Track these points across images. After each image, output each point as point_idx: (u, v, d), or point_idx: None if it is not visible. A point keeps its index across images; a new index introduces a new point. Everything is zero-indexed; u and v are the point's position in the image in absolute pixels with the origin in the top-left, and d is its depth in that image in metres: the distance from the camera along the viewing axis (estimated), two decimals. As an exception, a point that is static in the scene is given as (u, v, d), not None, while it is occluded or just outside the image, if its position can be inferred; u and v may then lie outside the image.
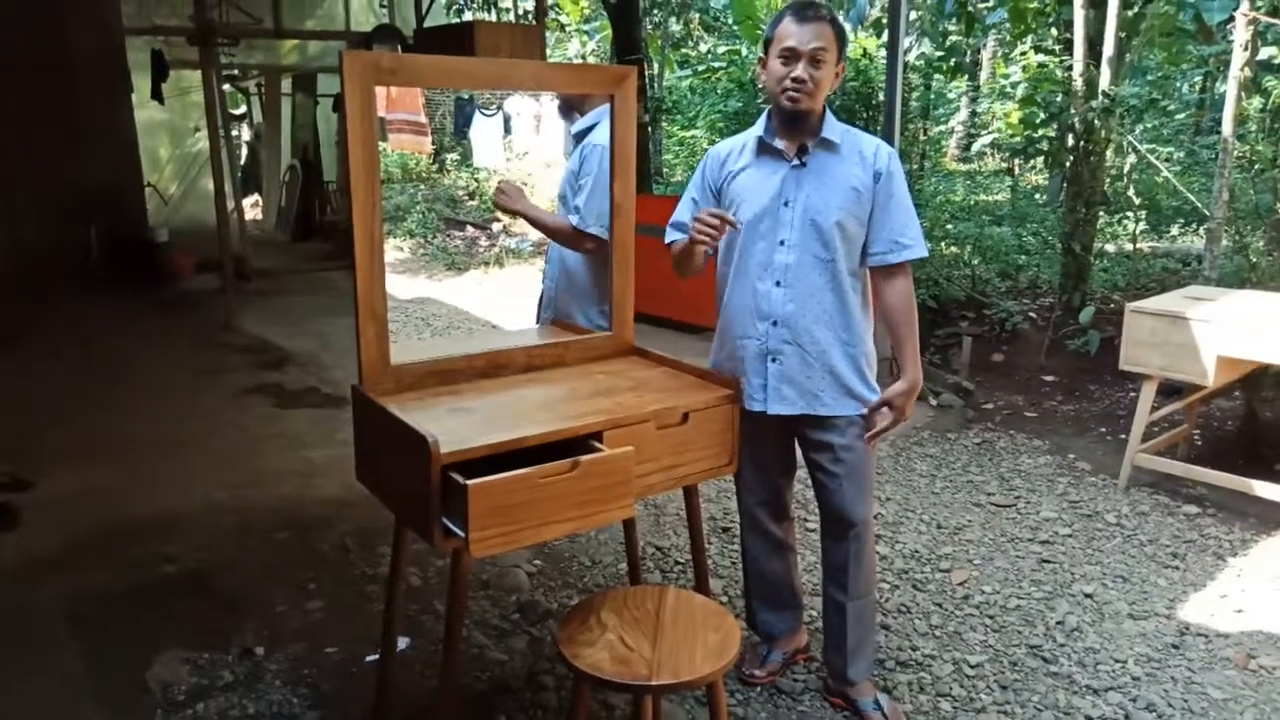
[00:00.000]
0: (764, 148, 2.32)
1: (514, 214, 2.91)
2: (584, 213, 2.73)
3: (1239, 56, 4.80)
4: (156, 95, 8.39)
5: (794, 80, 2.17)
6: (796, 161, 2.27)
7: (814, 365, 2.29)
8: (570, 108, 2.98)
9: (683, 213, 2.44)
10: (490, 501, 1.74)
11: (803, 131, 2.26)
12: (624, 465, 1.90)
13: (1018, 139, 7.18)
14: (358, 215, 2.04)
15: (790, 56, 2.18)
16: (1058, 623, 2.93)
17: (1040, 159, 6.74)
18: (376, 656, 2.52)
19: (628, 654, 1.79)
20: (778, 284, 2.28)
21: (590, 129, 2.82)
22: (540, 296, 3.09)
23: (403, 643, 2.69)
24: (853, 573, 2.42)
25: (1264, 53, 6.25)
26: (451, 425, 1.95)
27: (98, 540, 3.32)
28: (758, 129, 2.33)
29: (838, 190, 2.24)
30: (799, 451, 2.49)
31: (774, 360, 2.30)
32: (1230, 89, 4.92)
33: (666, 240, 2.46)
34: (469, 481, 1.71)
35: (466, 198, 12.57)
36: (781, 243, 2.27)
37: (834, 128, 2.28)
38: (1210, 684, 2.62)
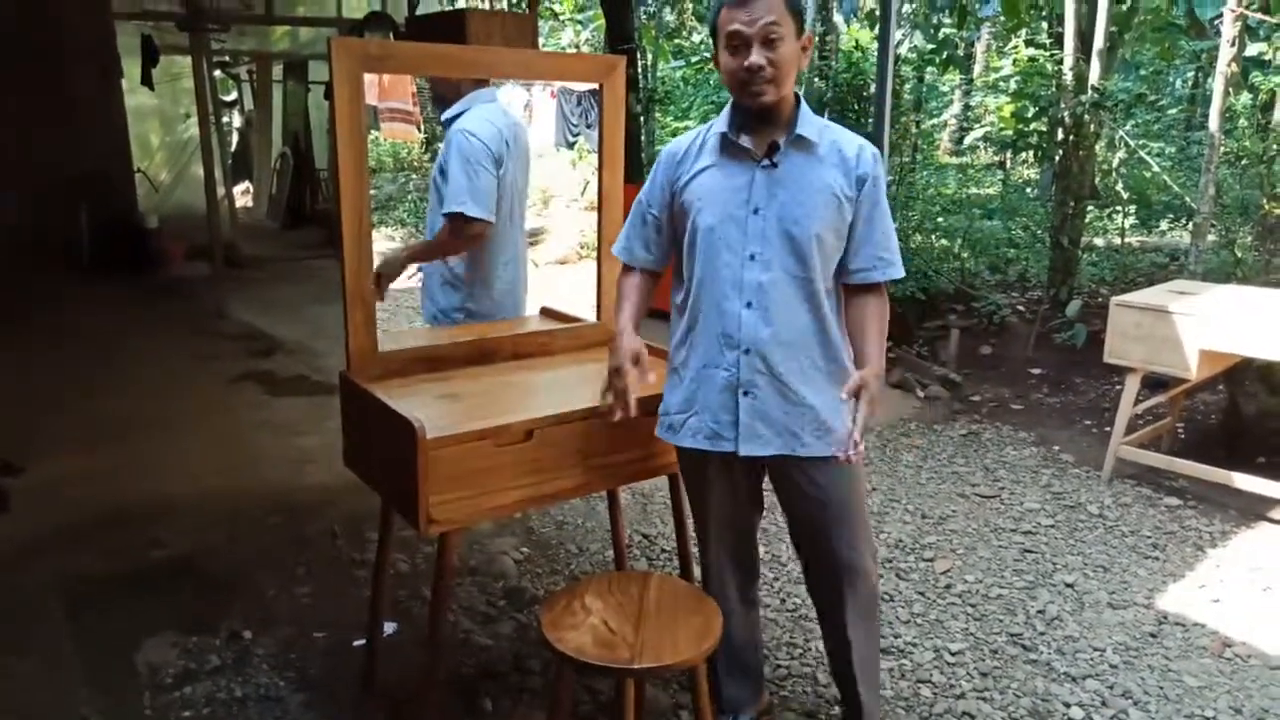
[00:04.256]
0: (728, 145, 1.98)
1: (402, 269, 2.78)
2: (458, 196, 2.63)
3: (1226, 52, 4.83)
4: (146, 81, 8.36)
5: (748, 70, 1.85)
6: (767, 162, 1.94)
7: (792, 399, 1.98)
8: (440, 97, 2.88)
9: (634, 222, 2.13)
10: (448, 468, 1.82)
11: (773, 127, 1.95)
12: (578, 436, 2.00)
13: (1009, 133, 7.21)
14: (346, 202, 2.06)
15: (739, 44, 1.86)
16: (1038, 611, 2.97)
17: (1031, 153, 6.77)
18: (364, 641, 2.54)
19: (611, 637, 1.81)
20: (749, 305, 1.95)
21: (458, 116, 2.77)
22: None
23: (390, 627, 2.71)
24: (856, 639, 2.15)
25: (1253, 49, 6.29)
26: (438, 411, 1.98)
27: (87, 525, 3.32)
28: (719, 123, 2.00)
29: (816, 197, 1.92)
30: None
31: (746, 394, 1.98)
32: (1217, 84, 4.96)
33: (613, 250, 2.17)
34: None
35: (459, 187, 12.55)
36: (751, 257, 1.94)
37: (810, 123, 1.96)
38: (1186, 672, 2.66)
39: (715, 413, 2.01)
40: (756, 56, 1.85)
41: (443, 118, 2.83)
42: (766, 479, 2.17)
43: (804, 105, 1.97)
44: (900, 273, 2.01)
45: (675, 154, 2.07)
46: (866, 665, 2.21)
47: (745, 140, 1.96)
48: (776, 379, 1.97)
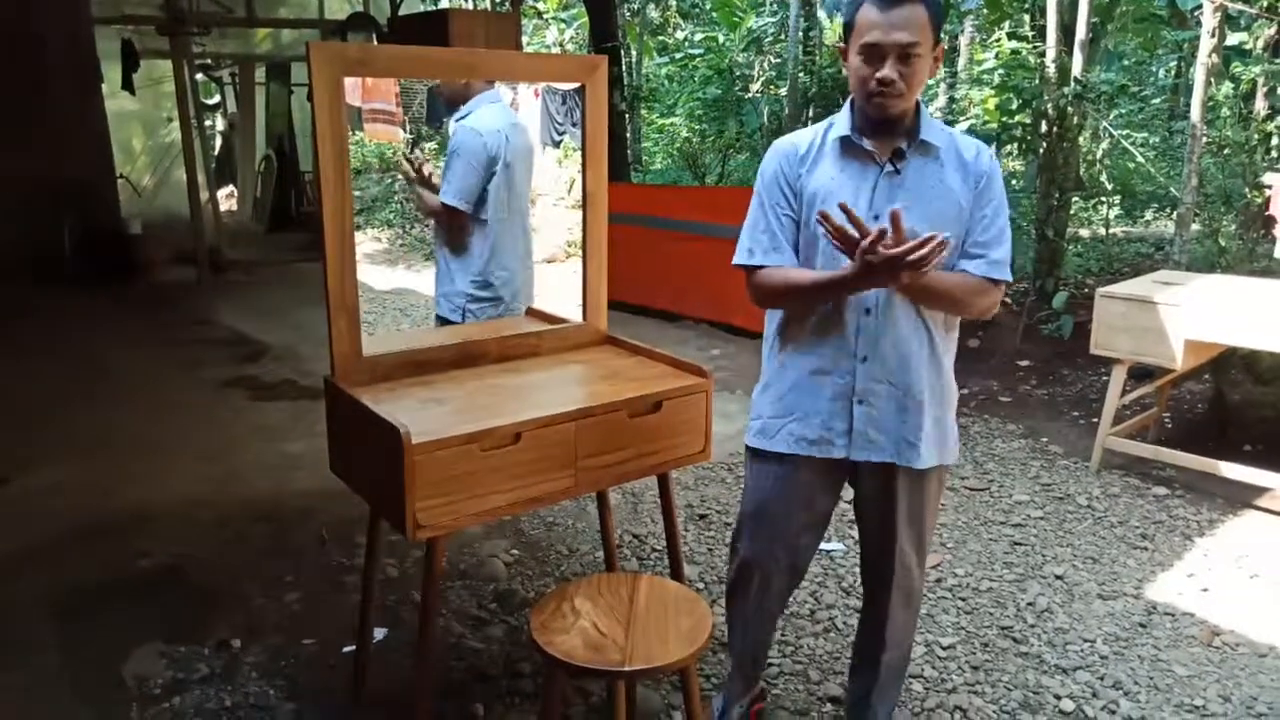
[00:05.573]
0: (850, 147, 1.94)
1: (410, 182, 3.14)
2: (446, 189, 2.98)
3: (1207, 42, 4.85)
4: (127, 86, 8.30)
5: (880, 82, 1.82)
6: (890, 167, 1.91)
7: (909, 408, 1.96)
8: (450, 99, 3.10)
9: (756, 227, 2.00)
10: (434, 472, 1.81)
11: (896, 130, 1.91)
12: (566, 438, 1.98)
13: (993, 125, 7.22)
14: (328, 206, 2.04)
15: (873, 54, 1.83)
16: (1028, 604, 2.98)
17: (1015, 145, 6.79)
18: (353, 647, 2.52)
19: (601, 640, 1.81)
20: (868, 312, 1.92)
21: (466, 115, 3.03)
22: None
23: (380, 633, 2.70)
24: (897, 625, 2.16)
25: (1233, 38, 6.32)
26: (424, 416, 1.96)
27: (73, 535, 3.30)
28: (840, 125, 1.96)
29: (940, 204, 1.89)
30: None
31: (861, 403, 1.95)
32: (1199, 74, 4.98)
33: (737, 262, 2.02)
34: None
35: (445, 187, 12.51)
36: None
37: (933, 127, 1.92)
38: (1176, 661, 2.68)
39: (825, 419, 1.99)
40: (890, 71, 1.81)
41: (454, 119, 3.05)
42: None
43: (924, 109, 1.94)
44: (1005, 275, 1.93)
45: (795, 150, 2.01)
46: (891, 670, 2.22)
47: (868, 144, 1.93)
48: (895, 387, 1.95)
